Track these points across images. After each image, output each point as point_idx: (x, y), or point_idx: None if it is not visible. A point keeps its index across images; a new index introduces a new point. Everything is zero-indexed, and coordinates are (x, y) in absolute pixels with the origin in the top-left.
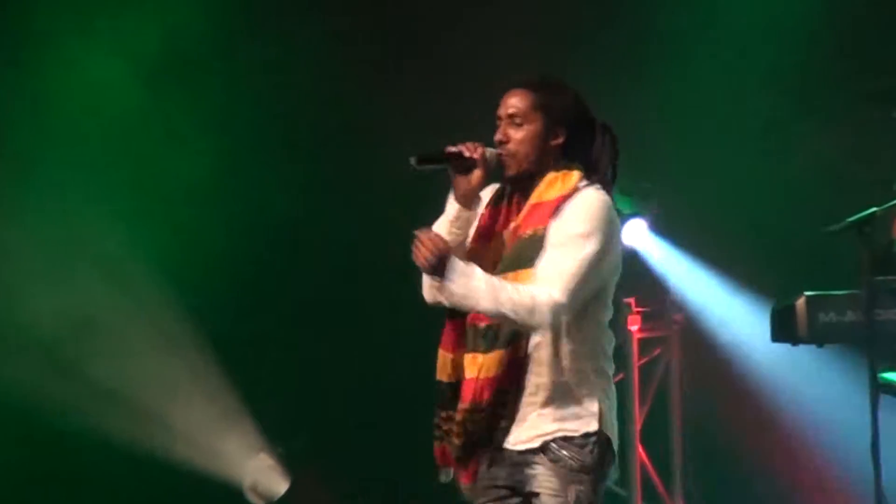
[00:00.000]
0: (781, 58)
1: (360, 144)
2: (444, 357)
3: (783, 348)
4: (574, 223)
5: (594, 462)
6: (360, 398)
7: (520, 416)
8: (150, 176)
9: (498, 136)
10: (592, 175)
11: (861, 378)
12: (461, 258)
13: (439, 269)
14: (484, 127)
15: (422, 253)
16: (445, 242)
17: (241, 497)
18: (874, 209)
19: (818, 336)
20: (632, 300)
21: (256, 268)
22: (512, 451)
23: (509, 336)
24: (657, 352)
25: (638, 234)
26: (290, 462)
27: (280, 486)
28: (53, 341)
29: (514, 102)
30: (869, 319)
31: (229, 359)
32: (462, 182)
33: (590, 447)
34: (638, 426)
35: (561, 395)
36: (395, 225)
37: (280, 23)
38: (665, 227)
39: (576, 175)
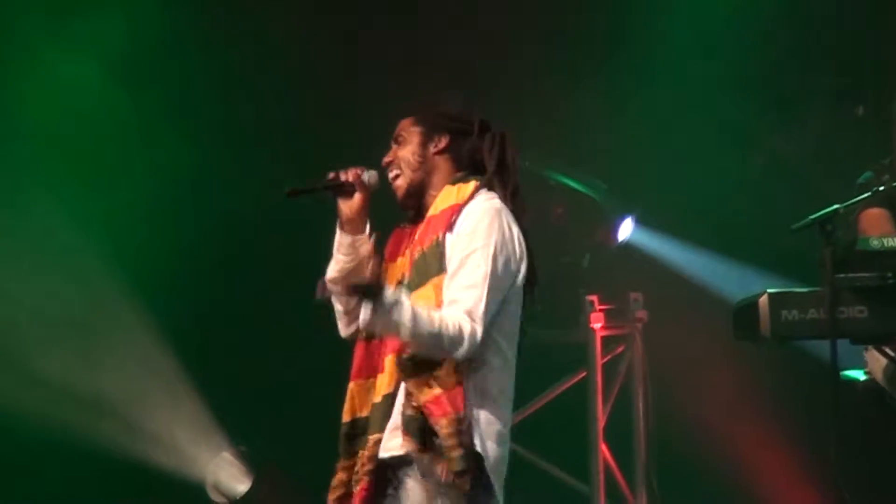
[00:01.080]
0: (744, 57)
1: (339, 139)
2: (352, 391)
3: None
4: (468, 238)
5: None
6: (324, 397)
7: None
8: (119, 176)
9: (385, 160)
10: (491, 181)
11: (823, 375)
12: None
13: (370, 292)
14: None
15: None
16: (380, 265)
17: (203, 495)
18: (836, 206)
19: (781, 334)
20: (594, 297)
21: (224, 267)
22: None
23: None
24: (620, 349)
25: (630, 230)
26: (251, 460)
27: (242, 484)
28: (15, 341)
29: (399, 127)
30: (832, 317)
31: (191, 357)
32: (344, 207)
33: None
34: (601, 424)
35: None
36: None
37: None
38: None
39: (472, 186)
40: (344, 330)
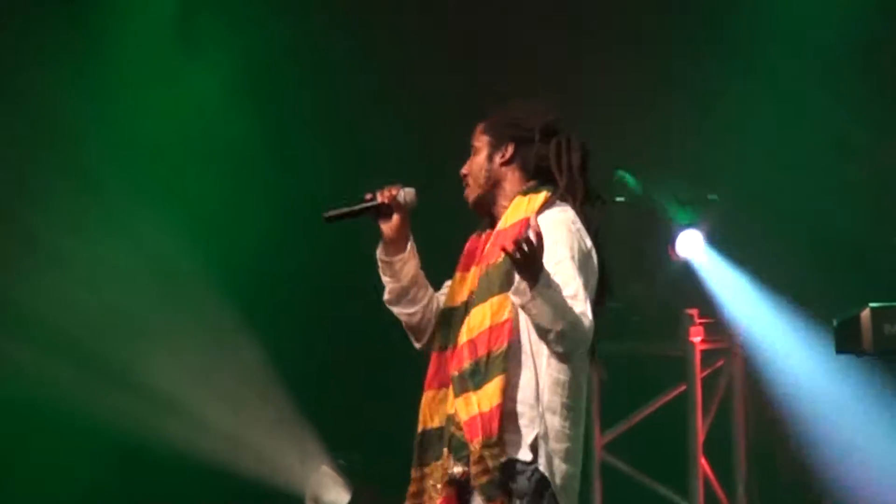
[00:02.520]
0: (844, 67)
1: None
2: (423, 404)
3: (848, 361)
4: (552, 251)
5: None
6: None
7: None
8: (208, 184)
9: (461, 171)
10: (564, 192)
11: None
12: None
13: (534, 268)
14: None
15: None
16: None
17: None
18: None
19: (883, 348)
20: (694, 311)
21: (327, 282)
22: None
23: (494, 369)
24: (720, 363)
25: (692, 246)
26: (351, 474)
27: (342, 498)
28: (110, 350)
29: (473, 135)
30: None
31: (291, 369)
32: (384, 228)
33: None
34: (701, 438)
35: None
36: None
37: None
38: (723, 240)
39: (542, 196)
40: (417, 343)
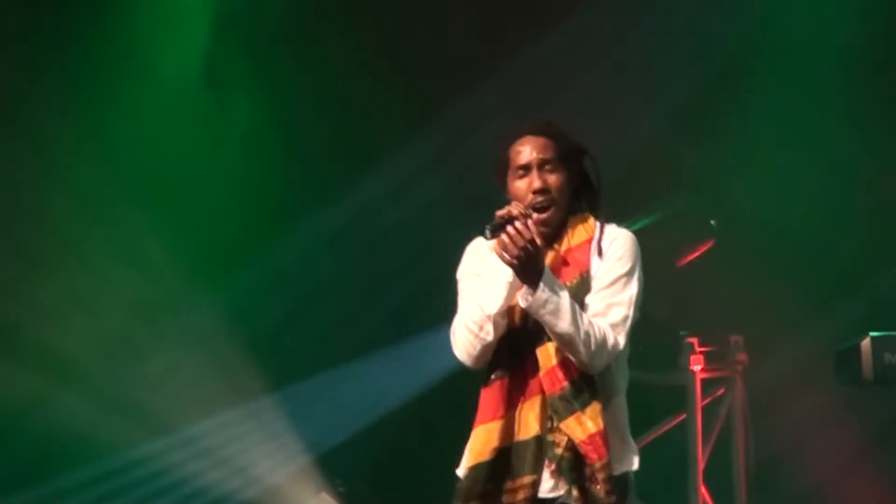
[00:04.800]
0: (856, 92)
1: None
2: (490, 431)
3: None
4: (619, 263)
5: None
6: (423, 438)
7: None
8: (201, 187)
9: (538, 185)
10: (600, 210)
11: None
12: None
13: (532, 270)
14: None
15: (517, 244)
16: (539, 239)
17: None
18: None
19: (884, 377)
20: (695, 340)
21: (327, 300)
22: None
23: (593, 388)
24: (720, 392)
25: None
26: (350, 501)
27: None
28: (108, 374)
29: (542, 151)
30: None
31: (291, 395)
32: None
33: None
34: (701, 467)
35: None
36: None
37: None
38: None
39: (590, 216)
40: (477, 365)
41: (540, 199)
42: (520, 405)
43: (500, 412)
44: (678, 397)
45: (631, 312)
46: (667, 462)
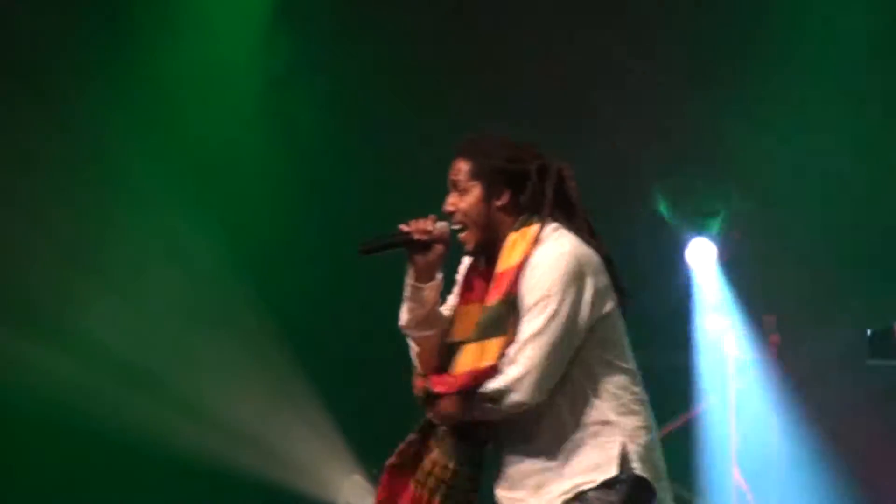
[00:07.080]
0: (872, 81)
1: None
2: None
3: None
4: (532, 291)
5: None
6: None
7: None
8: (244, 188)
9: (445, 207)
10: (557, 220)
11: None
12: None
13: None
14: None
15: (419, 226)
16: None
17: None
18: None
19: None
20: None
21: (363, 292)
22: None
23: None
24: (754, 373)
25: (700, 258)
26: None
27: None
28: (142, 358)
29: (453, 172)
30: None
31: (325, 379)
32: (419, 260)
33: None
34: (734, 447)
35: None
36: None
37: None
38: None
39: (533, 229)
40: (423, 370)
41: (453, 221)
42: None
43: None
44: (715, 379)
45: (541, 349)
46: (698, 443)
